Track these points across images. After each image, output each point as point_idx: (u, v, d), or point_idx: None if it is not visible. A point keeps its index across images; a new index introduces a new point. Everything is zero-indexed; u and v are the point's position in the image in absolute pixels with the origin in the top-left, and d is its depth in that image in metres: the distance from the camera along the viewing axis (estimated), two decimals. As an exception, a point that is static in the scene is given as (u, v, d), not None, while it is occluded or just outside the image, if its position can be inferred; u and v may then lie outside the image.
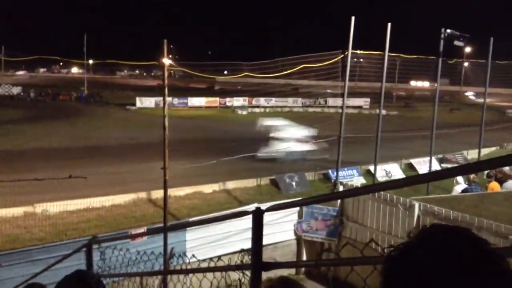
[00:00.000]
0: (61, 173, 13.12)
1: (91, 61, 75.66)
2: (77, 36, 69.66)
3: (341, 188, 12.55)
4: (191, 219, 12.03)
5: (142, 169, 19.86)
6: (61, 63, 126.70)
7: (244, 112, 52.80)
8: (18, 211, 14.41)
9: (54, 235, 12.81)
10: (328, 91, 47.51)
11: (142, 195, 16.47)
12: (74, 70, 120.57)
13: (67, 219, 14.13)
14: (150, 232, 9.95)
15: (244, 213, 2.90)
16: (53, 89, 67.77)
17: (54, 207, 14.39)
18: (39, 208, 14.46)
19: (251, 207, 8.54)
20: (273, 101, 58.83)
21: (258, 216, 2.49)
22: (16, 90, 64.51)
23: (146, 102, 54.35)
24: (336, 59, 22.06)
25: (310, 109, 55.04)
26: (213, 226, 10.89)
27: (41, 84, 79.98)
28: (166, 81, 10.48)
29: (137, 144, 28.70)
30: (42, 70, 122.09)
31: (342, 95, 15.46)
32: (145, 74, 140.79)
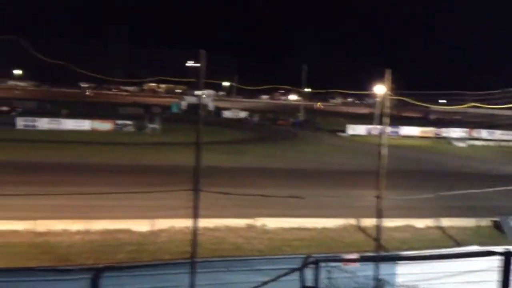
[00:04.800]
0: (280, 192, 14.21)
1: (308, 90, 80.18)
2: (297, 67, 74.49)
3: None
4: (408, 252, 11.63)
5: (352, 195, 20.06)
6: (281, 91, 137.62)
7: (463, 144, 48.82)
8: (240, 222, 16.06)
9: (271, 249, 13.87)
10: None
11: (352, 221, 16.62)
12: (292, 97, 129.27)
13: (282, 235, 15.17)
14: (364, 259, 9.96)
15: (490, 253, 2.76)
16: (273, 115, 73.85)
17: (272, 223, 15.62)
18: (259, 222, 15.87)
19: (475, 248, 7.87)
20: (497, 134, 53.03)
21: (508, 259, 2.36)
22: (243, 114, 72.52)
23: (357, 129, 54.96)
24: None
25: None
26: (427, 263, 10.33)
27: (263, 109, 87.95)
28: (385, 111, 10.50)
29: (347, 170, 29.13)
30: (265, 96, 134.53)
31: None
32: (357, 101, 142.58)
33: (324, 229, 15.94)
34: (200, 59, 7.92)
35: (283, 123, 66.58)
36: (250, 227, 15.89)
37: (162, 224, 15.44)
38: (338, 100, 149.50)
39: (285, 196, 12.28)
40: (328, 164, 31.56)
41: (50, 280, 9.55)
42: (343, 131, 55.45)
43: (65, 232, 14.50)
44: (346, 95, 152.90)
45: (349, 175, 27.19)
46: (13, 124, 41.80)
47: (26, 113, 49.78)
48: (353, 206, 17.92)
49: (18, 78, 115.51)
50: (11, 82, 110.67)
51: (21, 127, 42.04)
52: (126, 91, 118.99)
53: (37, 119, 44.21)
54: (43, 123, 43.76)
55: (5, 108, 52.03)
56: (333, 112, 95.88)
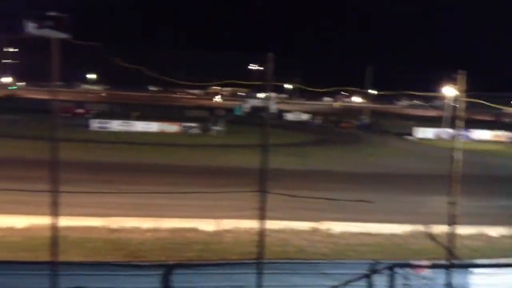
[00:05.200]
0: (346, 195, 14.05)
1: (372, 92, 78.56)
2: (360, 67, 73.25)
3: None
4: (482, 261, 11.13)
5: (421, 201, 19.46)
6: (344, 93, 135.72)
7: (540, 150, 45.84)
8: (305, 225, 16.02)
9: (336, 253, 13.73)
10: None
11: (421, 228, 16.09)
12: (355, 99, 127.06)
13: (347, 239, 14.97)
14: (436, 266, 9.65)
15: None
16: (336, 117, 72.97)
17: (337, 227, 15.46)
18: (324, 225, 15.76)
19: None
20: None
21: None
22: (305, 116, 72.21)
23: (425, 132, 53.09)
24: None
25: None
26: (503, 273, 9.83)
27: (326, 112, 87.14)
28: (459, 113, 10.13)
29: (416, 175, 28.25)
30: (327, 99, 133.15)
31: None
32: (424, 104, 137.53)
33: (392, 235, 15.55)
34: (268, 62, 8.05)
35: (347, 125, 65.59)
36: (314, 230, 15.82)
37: (228, 224, 15.74)
38: (404, 102, 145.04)
39: (352, 200, 12.15)
40: (396, 168, 30.74)
41: (124, 275, 10.06)
42: (410, 134, 53.75)
43: (136, 230, 15.15)
44: (412, 97, 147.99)
45: (418, 179, 26.35)
46: (87, 126, 44.24)
47: (99, 115, 52.48)
48: (422, 212, 17.39)
49: (92, 82, 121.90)
50: (85, 86, 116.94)
51: (95, 129, 44.39)
52: (192, 94, 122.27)
53: (109, 121, 46.49)
54: (115, 125, 45.96)
55: (80, 111, 55.12)
56: (400, 114, 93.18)
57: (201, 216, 16.12)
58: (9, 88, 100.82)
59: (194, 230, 15.30)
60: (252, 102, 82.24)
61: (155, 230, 15.17)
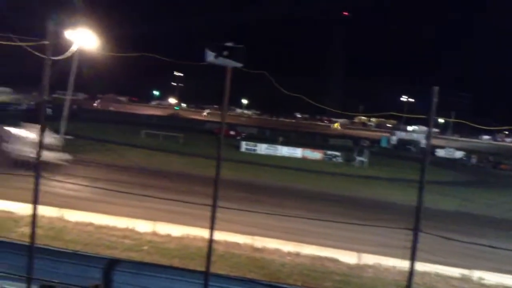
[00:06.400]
0: (503, 244, 12.73)
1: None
2: None
3: None
4: None
5: None
6: (506, 132, 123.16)
7: None
8: (455, 271, 14.83)
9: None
10: None
11: None
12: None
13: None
14: None
15: None
16: (494, 157, 66.48)
17: (492, 277, 14.03)
18: (477, 274, 14.43)
19: None
20: None
21: None
22: (458, 154, 67.07)
23: None
24: None
25: None
26: None
27: (483, 150, 79.95)
28: None
29: None
30: (486, 137, 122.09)
31: None
32: None
33: None
34: (433, 96, 7.81)
35: (507, 167, 59.28)
36: (464, 279, 14.59)
37: (369, 259, 15.32)
38: None
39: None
40: None
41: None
42: None
43: (277, 251, 15.57)
44: None
45: None
46: (238, 147, 46.96)
47: (249, 138, 55.38)
48: None
49: (245, 106, 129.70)
50: (239, 110, 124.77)
51: (244, 150, 46.87)
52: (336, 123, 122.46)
53: (257, 144, 48.76)
54: (262, 148, 47.99)
55: (232, 133, 58.81)
56: None
57: (343, 247, 15.95)
58: (175, 108, 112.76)
59: (335, 260, 15.18)
60: (399, 135, 79.29)
61: (295, 254, 15.42)
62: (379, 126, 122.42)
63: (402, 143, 73.69)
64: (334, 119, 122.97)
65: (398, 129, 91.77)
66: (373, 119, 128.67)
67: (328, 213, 20.49)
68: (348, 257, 15.31)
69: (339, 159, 47.23)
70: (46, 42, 8.85)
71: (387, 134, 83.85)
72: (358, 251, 15.58)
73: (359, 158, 45.95)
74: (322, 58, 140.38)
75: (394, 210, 23.11)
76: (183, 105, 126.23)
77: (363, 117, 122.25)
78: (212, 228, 9.17)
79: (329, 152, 48.67)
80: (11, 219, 15.94)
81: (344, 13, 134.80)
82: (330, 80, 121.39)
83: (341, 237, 16.83)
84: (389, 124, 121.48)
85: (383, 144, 74.78)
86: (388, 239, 17.12)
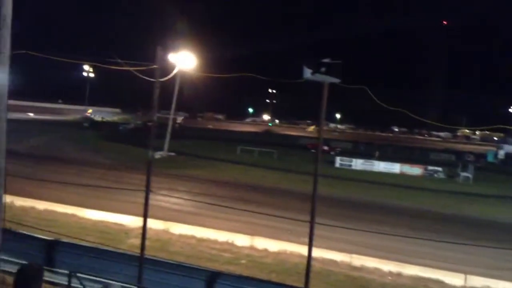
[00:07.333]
0: None
1: None
2: None
3: None
4: None
5: None
6: None
7: None
8: None
9: None
10: None
11: None
12: None
13: None
14: None
15: None
16: None
17: None
18: None
19: None
20: None
21: None
22: None
23: None
24: None
25: None
26: None
27: None
28: None
29: None
30: None
31: None
32: None
33: None
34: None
35: None
36: None
37: (477, 281, 14.36)
38: None
39: None
40: None
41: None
42: None
43: (377, 271, 15.09)
44: None
45: None
46: (333, 162, 46.34)
47: (343, 153, 54.52)
48: None
49: (338, 121, 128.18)
50: (332, 125, 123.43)
51: (339, 166, 46.16)
52: (438, 136, 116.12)
53: (353, 159, 47.82)
54: (358, 163, 46.92)
55: (326, 148, 58.26)
56: None
57: (448, 268, 15.07)
58: (269, 124, 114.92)
59: (439, 282, 14.38)
60: (508, 148, 73.34)
61: (397, 274, 14.83)
62: (484, 139, 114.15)
63: (510, 157, 68.08)
64: (435, 133, 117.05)
65: (506, 143, 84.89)
66: (477, 132, 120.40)
67: (428, 231, 19.57)
68: (455, 279, 14.41)
69: (441, 175, 44.73)
70: (155, 66, 9.58)
71: (494, 148, 78.00)
72: (464, 272, 14.61)
73: (463, 174, 43.19)
74: (421, 69, 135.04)
75: (503, 230, 21.49)
76: (276, 121, 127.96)
77: (466, 130, 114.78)
78: (310, 245, 9.21)
79: (430, 168, 46.33)
80: (122, 231, 17.19)
81: (443, 22, 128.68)
82: (430, 92, 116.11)
83: (445, 257, 15.95)
84: (496, 137, 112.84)
85: (490, 158, 69.57)
86: (497, 261, 15.95)
